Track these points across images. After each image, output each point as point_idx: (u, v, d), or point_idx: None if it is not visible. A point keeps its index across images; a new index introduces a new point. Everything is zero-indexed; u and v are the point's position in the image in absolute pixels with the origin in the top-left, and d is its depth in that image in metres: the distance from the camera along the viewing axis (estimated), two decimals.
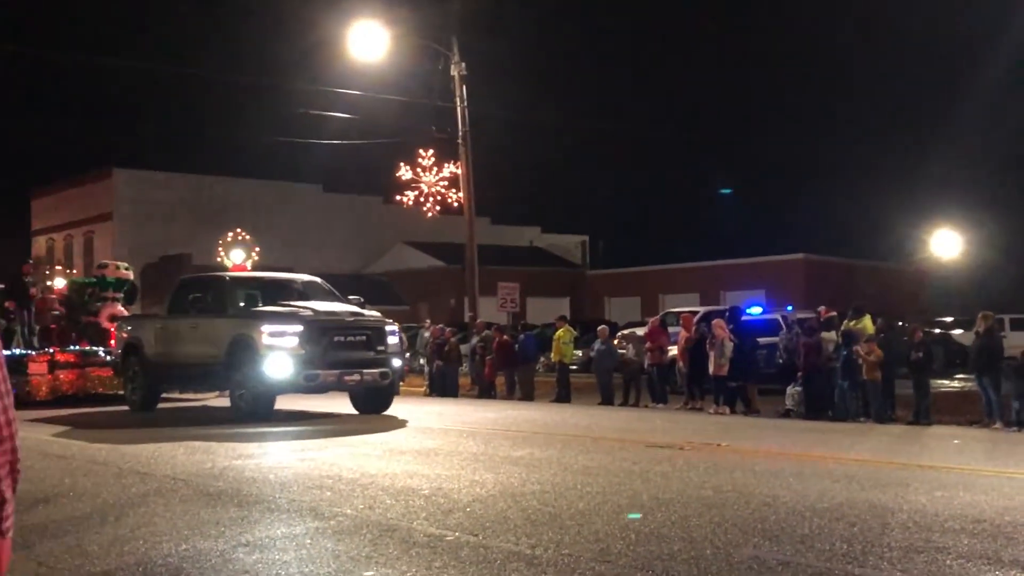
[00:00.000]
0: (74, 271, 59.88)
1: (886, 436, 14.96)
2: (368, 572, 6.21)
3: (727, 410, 19.15)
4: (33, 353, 22.06)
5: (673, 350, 22.19)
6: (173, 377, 19.07)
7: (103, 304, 24.65)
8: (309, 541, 7.06)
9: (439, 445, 12.90)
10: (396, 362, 17.40)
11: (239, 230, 44.56)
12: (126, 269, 25.95)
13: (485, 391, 25.24)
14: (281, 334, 15.99)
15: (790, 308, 27.91)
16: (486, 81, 55.23)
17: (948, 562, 6.31)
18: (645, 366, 22.33)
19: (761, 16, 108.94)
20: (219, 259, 42.26)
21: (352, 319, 17.15)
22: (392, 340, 17.28)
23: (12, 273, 24.82)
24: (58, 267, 60.36)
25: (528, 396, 23.95)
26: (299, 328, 16.07)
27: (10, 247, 60.99)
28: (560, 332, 24.40)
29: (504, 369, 24.82)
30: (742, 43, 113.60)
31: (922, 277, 49.42)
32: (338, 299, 18.40)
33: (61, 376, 21.69)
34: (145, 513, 8.22)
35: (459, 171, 30.48)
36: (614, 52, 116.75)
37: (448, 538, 7.06)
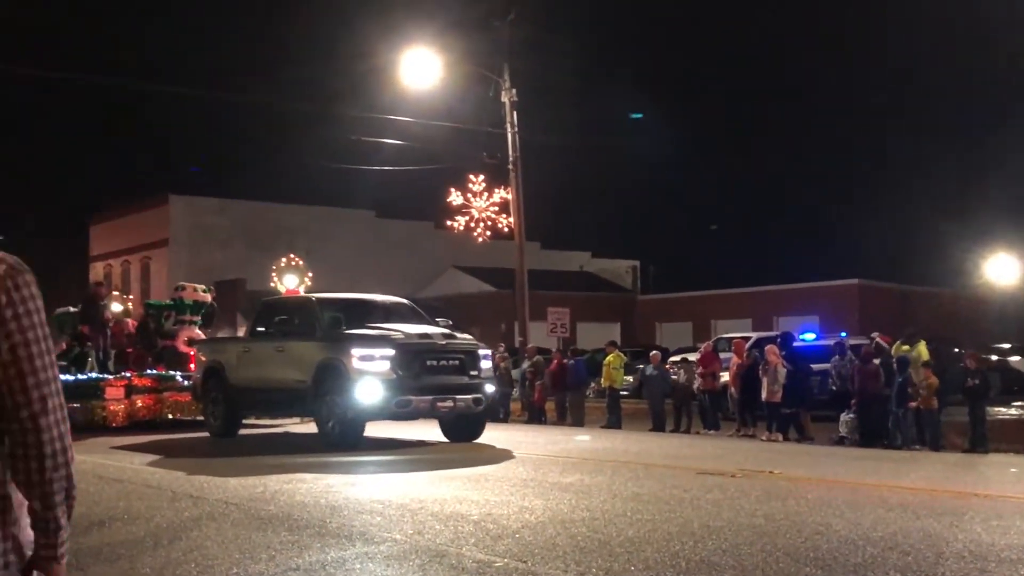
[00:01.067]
0: (131, 296, 60.78)
1: (941, 464, 14.74)
2: None
3: (780, 437, 18.97)
4: (110, 378, 21.58)
5: (725, 376, 22.05)
6: (256, 402, 18.48)
7: (180, 327, 24.16)
8: (359, 566, 7.08)
9: (489, 470, 12.89)
10: (490, 387, 16.76)
11: (292, 255, 44.93)
12: (204, 291, 25.27)
13: (535, 416, 25.22)
14: (372, 358, 15.42)
15: (844, 334, 27.61)
16: (537, 106, 55.38)
17: None
18: (696, 392, 22.21)
19: (811, 37, 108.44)
20: (273, 284, 42.63)
21: (445, 342, 16.46)
22: (486, 364, 16.75)
23: (85, 297, 24.47)
24: (115, 292, 61.29)
25: (579, 422, 23.88)
26: (391, 352, 15.48)
27: (69, 273, 62.08)
28: (610, 357, 24.34)
29: (556, 394, 24.80)
30: (794, 65, 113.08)
31: (979, 303, 48.68)
32: (426, 321, 17.81)
33: (138, 401, 21.20)
34: (197, 537, 8.30)
35: (510, 196, 30.57)
36: (666, 76, 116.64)
37: (497, 564, 7.05)
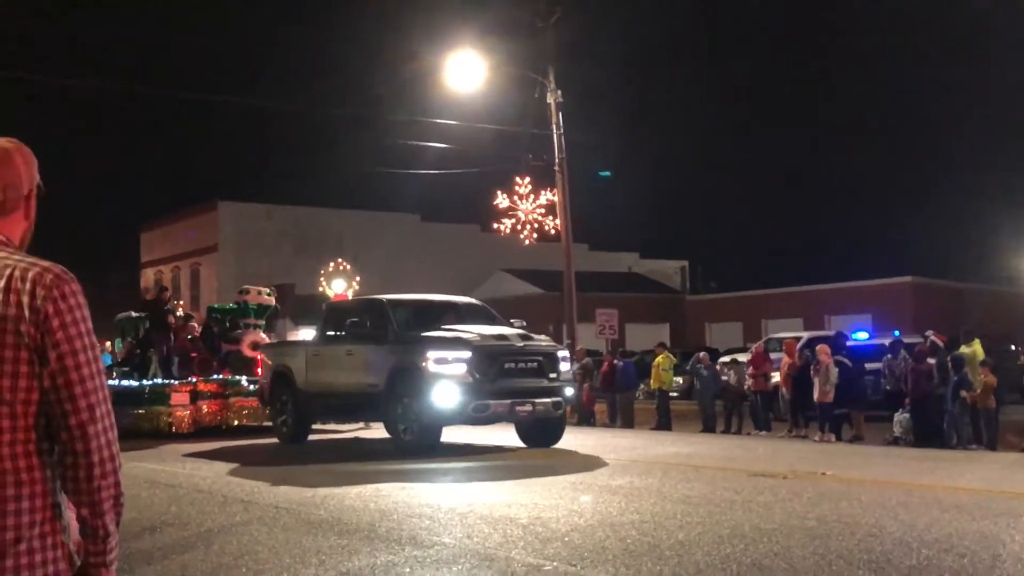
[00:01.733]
0: (181, 302, 61.42)
1: (997, 464, 14.51)
2: None
3: (832, 438, 18.77)
4: (176, 383, 21.12)
5: (776, 377, 21.86)
6: (327, 407, 17.90)
7: (244, 331, 23.52)
8: (408, 570, 7.09)
9: (538, 473, 12.87)
10: (569, 391, 16.31)
11: (340, 260, 45.25)
12: (268, 295, 24.61)
13: (584, 418, 25.16)
14: (448, 361, 14.93)
15: (896, 333, 27.30)
16: (583, 107, 55.34)
17: None
18: (747, 393, 22.06)
19: (865, 33, 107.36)
20: (321, 289, 42.94)
21: (522, 344, 15.91)
22: (564, 367, 16.25)
23: (150, 301, 24.18)
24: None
25: (628, 423, 23.79)
26: (467, 354, 14.99)
27: (120, 280, 62.90)
28: (659, 359, 24.23)
29: (606, 396, 24.73)
30: (846, 60, 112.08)
31: None
32: (500, 322, 17.36)
33: (203, 407, 20.67)
34: (248, 541, 8.35)
35: (556, 198, 30.53)
36: (713, 74, 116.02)
37: (546, 568, 7.02)
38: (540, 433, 16.35)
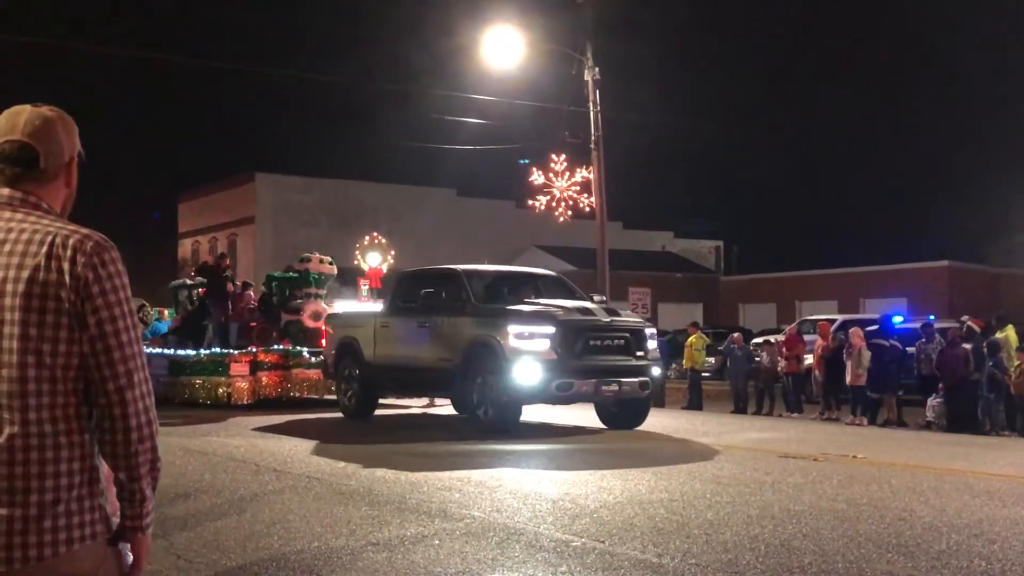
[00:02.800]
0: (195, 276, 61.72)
1: None
2: (494, 575, 6.27)
3: (864, 421, 18.69)
4: (235, 353, 20.47)
5: (809, 359, 21.78)
6: (396, 382, 17.11)
7: (305, 301, 22.39)
8: (437, 542, 7.15)
9: (566, 450, 12.90)
10: (656, 370, 15.31)
11: (375, 234, 45.35)
12: (330, 264, 23.44)
13: None
14: (530, 336, 14.09)
15: (931, 317, 27.10)
16: (620, 85, 55.09)
17: None
18: (780, 374, 22.00)
19: (901, 17, 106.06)
20: (356, 262, 43.10)
21: (609, 319, 15.01)
22: (652, 345, 15.27)
23: (208, 267, 23.64)
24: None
25: (660, 402, 23.77)
26: (551, 329, 14.14)
27: (158, 250, 63.41)
28: (692, 338, 24.18)
29: None
30: (883, 43, 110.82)
31: None
32: (580, 296, 16.47)
33: (263, 378, 20.03)
34: (280, 510, 8.44)
35: (591, 176, 30.45)
36: (752, 54, 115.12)
37: (574, 544, 7.06)
38: (624, 414, 15.58)
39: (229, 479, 10.24)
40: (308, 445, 13.10)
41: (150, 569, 6.20)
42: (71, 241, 2.47)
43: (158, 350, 22.65)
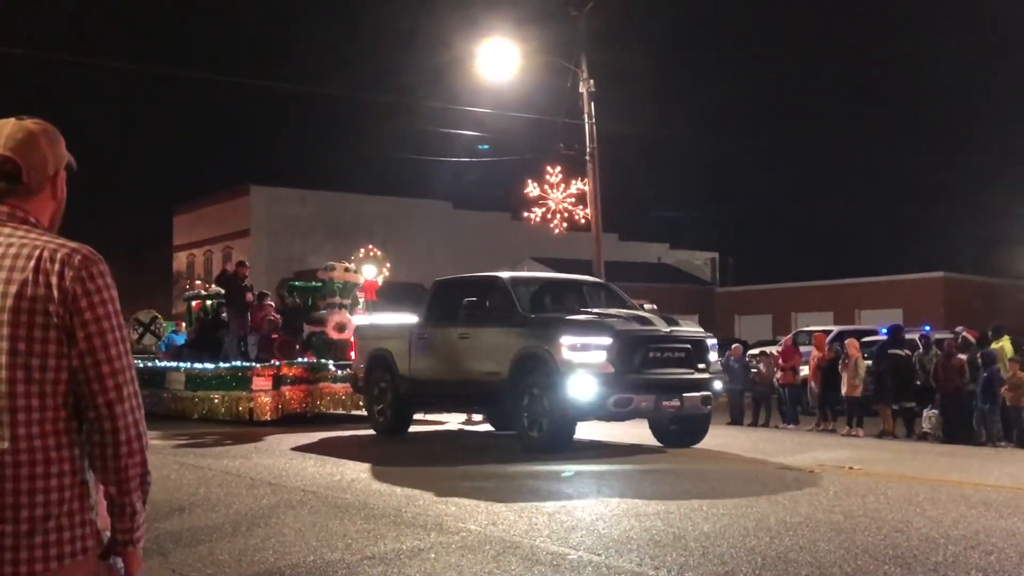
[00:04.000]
0: (212, 286, 61.71)
1: None
2: None
3: (860, 432, 18.67)
4: (258, 366, 19.38)
5: (805, 370, 21.77)
6: (435, 397, 16.07)
7: (329, 311, 21.38)
8: (433, 555, 7.12)
9: (562, 463, 12.88)
10: (718, 384, 14.44)
11: (371, 246, 45.35)
12: (355, 272, 22.54)
13: None
14: (586, 348, 13.15)
15: (927, 328, 27.11)
16: (615, 97, 55.21)
17: None
18: (776, 385, 21.98)
19: (896, 27, 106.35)
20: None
21: (668, 330, 13.97)
22: (713, 356, 14.43)
23: (226, 277, 22.53)
24: (197, 281, 62.41)
25: None
26: (607, 340, 13.19)
27: (153, 262, 63.31)
28: None
29: None
30: (877, 54, 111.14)
31: None
32: (630, 305, 15.70)
33: (287, 392, 18.95)
34: (275, 524, 8.41)
35: (587, 188, 30.47)
36: (747, 65, 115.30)
37: (570, 557, 7.04)
38: (682, 431, 14.68)
39: (224, 493, 10.21)
40: (361, 469, 12.01)
41: None
42: (59, 255, 2.46)
43: (174, 364, 22.10)
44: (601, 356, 13.12)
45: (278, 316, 21.99)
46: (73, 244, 2.51)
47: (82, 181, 2.77)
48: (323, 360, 19.86)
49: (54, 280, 2.43)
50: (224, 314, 22.53)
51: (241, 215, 60.93)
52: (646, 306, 15.91)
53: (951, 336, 21.10)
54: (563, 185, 32.19)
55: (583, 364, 13.07)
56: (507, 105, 30.74)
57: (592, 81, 29.06)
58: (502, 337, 14.32)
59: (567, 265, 55.45)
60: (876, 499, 9.79)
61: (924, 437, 18.18)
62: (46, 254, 2.46)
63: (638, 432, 15.50)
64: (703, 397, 13.85)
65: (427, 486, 10.53)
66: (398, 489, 10.36)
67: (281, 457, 13.47)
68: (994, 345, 18.54)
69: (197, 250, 66.70)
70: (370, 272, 42.46)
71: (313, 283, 22.55)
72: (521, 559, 6.98)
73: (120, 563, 2.54)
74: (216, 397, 19.80)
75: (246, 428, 17.88)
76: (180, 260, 67.99)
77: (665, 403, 13.41)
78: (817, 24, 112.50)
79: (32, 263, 2.45)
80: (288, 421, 18.47)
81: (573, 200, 31.99)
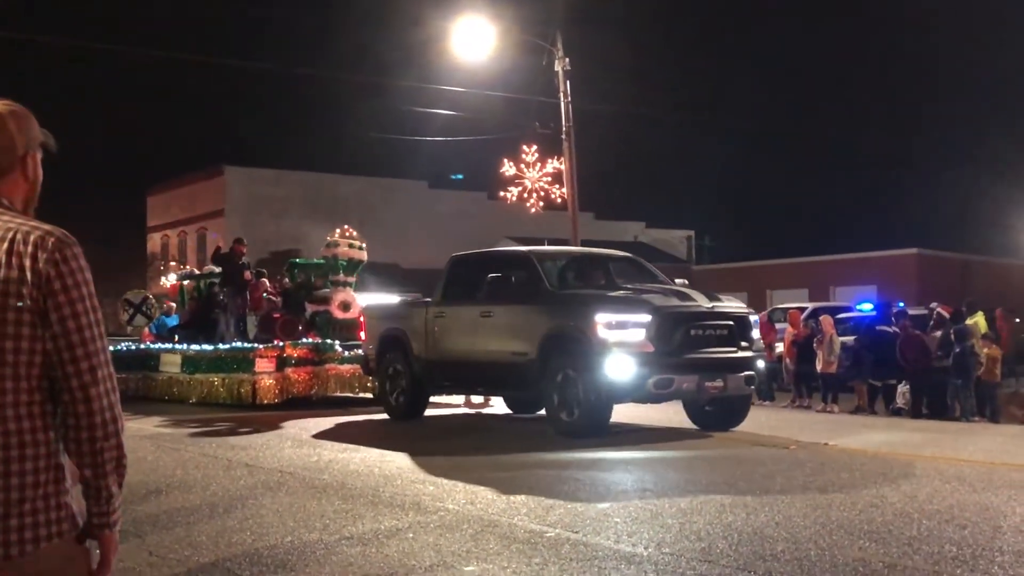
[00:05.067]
0: (187, 266, 61.44)
1: (1000, 437, 14.53)
2: (469, 567, 6.26)
3: (835, 408, 18.81)
4: (261, 347, 18.57)
5: (780, 347, 21.89)
6: (454, 379, 15.30)
7: (334, 289, 20.41)
8: (411, 535, 7.13)
9: (538, 440, 12.90)
10: (760, 363, 13.76)
11: (347, 226, 45.24)
12: (360, 248, 21.28)
13: None
14: (623, 325, 12.36)
15: (901, 304, 27.31)
16: (590, 76, 55.17)
17: None
18: None
19: (873, 5, 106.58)
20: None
21: (710, 306, 13.23)
22: (756, 334, 13.83)
23: (223, 255, 21.66)
24: (172, 263, 62.07)
25: None
26: (647, 318, 12.40)
27: (127, 243, 62.94)
28: None
29: None
30: (852, 29, 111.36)
31: None
32: (663, 280, 14.87)
33: (291, 375, 18.21)
34: (253, 505, 8.40)
35: (563, 167, 30.47)
36: (721, 43, 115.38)
37: (548, 534, 7.07)
38: (719, 412, 13.93)
39: (201, 475, 10.18)
40: (398, 460, 11.03)
41: (122, 566, 6.18)
42: (32, 237, 2.44)
43: (168, 346, 21.65)
44: (640, 334, 12.38)
45: (277, 294, 21.41)
46: (47, 226, 2.49)
47: (54, 162, 2.74)
48: (328, 340, 19.08)
49: (27, 263, 2.41)
50: (220, 294, 21.88)
51: (215, 196, 60.61)
52: (677, 281, 14.94)
53: (925, 312, 21.27)
54: (539, 164, 32.20)
55: (620, 343, 12.32)
56: (482, 84, 30.70)
57: (567, 59, 29.02)
58: (529, 315, 13.56)
59: (544, 245, 55.53)
60: (851, 475, 9.86)
61: (899, 412, 18.34)
62: (19, 236, 2.44)
63: (659, 415, 15.12)
64: (747, 377, 13.21)
65: (405, 466, 10.55)
66: (375, 469, 10.37)
67: (283, 443, 13.44)
68: (968, 321, 18.69)
69: (171, 231, 66.33)
70: (357, 253, 42.42)
71: (316, 260, 21.69)
72: (499, 537, 7.00)
73: (96, 547, 2.54)
74: (216, 380, 19.12)
75: (253, 412, 17.18)
76: (154, 241, 67.64)
77: (708, 384, 12.72)
78: (794, 1, 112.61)
79: (5, 245, 2.43)
80: (293, 404, 17.81)
81: (549, 179, 32.01)
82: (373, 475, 9.97)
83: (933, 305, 21.31)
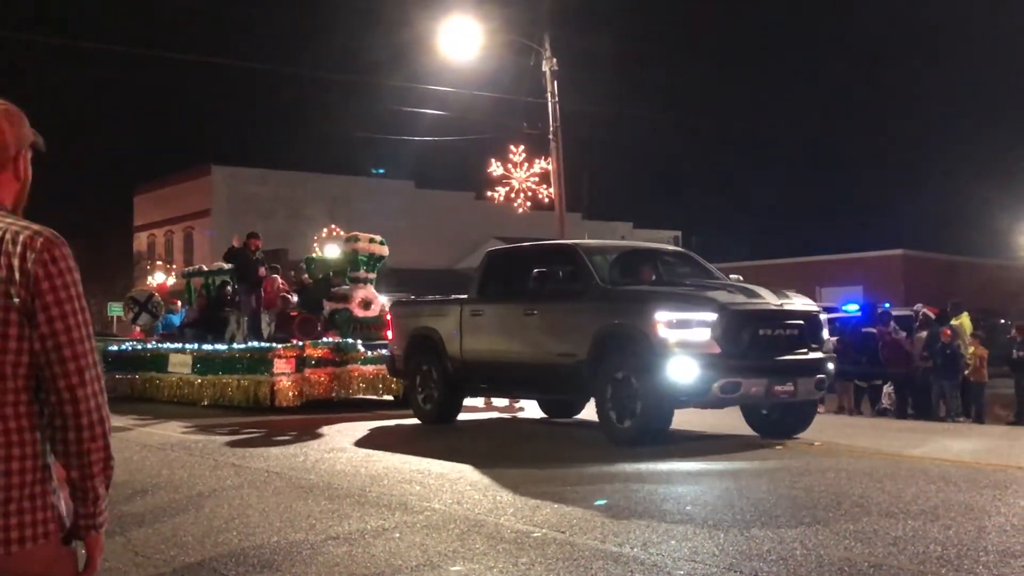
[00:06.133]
0: (173, 266, 61.30)
1: (986, 437, 14.59)
2: (455, 567, 6.26)
3: (820, 408, 18.85)
4: (280, 347, 17.66)
5: None
6: (493, 381, 14.59)
7: (354, 286, 19.64)
8: (398, 535, 7.13)
9: (529, 441, 12.90)
10: (831, 366, 12.83)
11: (334, 226, 45.16)
12: (381, 244, 20.55)
13: None
14: (687, 324, 11.48)
15: (887, 305, 27.39)
16: (578, 76, 55.22)
17: None
18: None
19: (863, 5, 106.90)
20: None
21: (779, 304, 12.39)
22: (826, 334, 12.93)
23: (235, 249, 20.79)
24: (159, 263, 61.89)
25: None
26: (712, 316, 11.51)
27: (113, 243, 62.71)
28: None
29: None
30: (836, 32, 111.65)
31: None
32: (718, 277, 14.07)
33: (311, 376, 17.51)
34: (239, 505, 8.39)
35: (550, 167, 30.48)
36: (710, 44, 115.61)
37: (535, 534, 7.07)
38: (781, 418, 13.01)
39: (187, 475, 10.16)
40: (432, 466, 10.32)
41: (108, 566, 6.16)
42: (21, 237, 2.43)
43: (177, 345, 20.88)
44: (705, 334, 11.47)
45: (290, 291, 20.72)
46: (36, 226, 2.48)
47: (40, 162, 2.73)
48: (350, 340, 18.30)
49: (16, 262, 2.41)
50: (230, 291, 21.30)
51: (202, 195, 60.53)
52: (731, 277, 14.23)
53: (910, 313, 21.37)
54: (526, 164, 32.22)
55: (683, 343, 11.42)
56: (470, 84, 30.71)
57: (555, 60, 29.05)
58: (578, 313, 12.70)
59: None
60: (836, 474, 9.87)
61: (884, 412, 18.42)
62: (8, 236, 2.44)
63: (713, 420, 14.27)
64: (817, 381, 12.39)
65: (390, 464, 10.53)
66: (362, 469, 10.36)
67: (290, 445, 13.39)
68: (953, 322, 18.78)
69: (158, 230, 66.21)
70: (333, 252, 42.35)
71: (336, 257, 21.09)
72: (486, 537, 7.00)
73: (82, 548, 2.54)
74: (230, 381, 18.34)
75: (279, 416, 16.38)
76: (141, 241, 67.49)
77: (778, 388, 11.85)
78: (781, 1, 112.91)
79: None
80: (314, 407, 17.15)
81: (536, 179, 32.03)
82: (359, 475, 9.96)
83: (918, 306, 21.41)
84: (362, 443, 12.79)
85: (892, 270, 49.27)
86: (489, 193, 33.40)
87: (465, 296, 14.95)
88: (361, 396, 18.21)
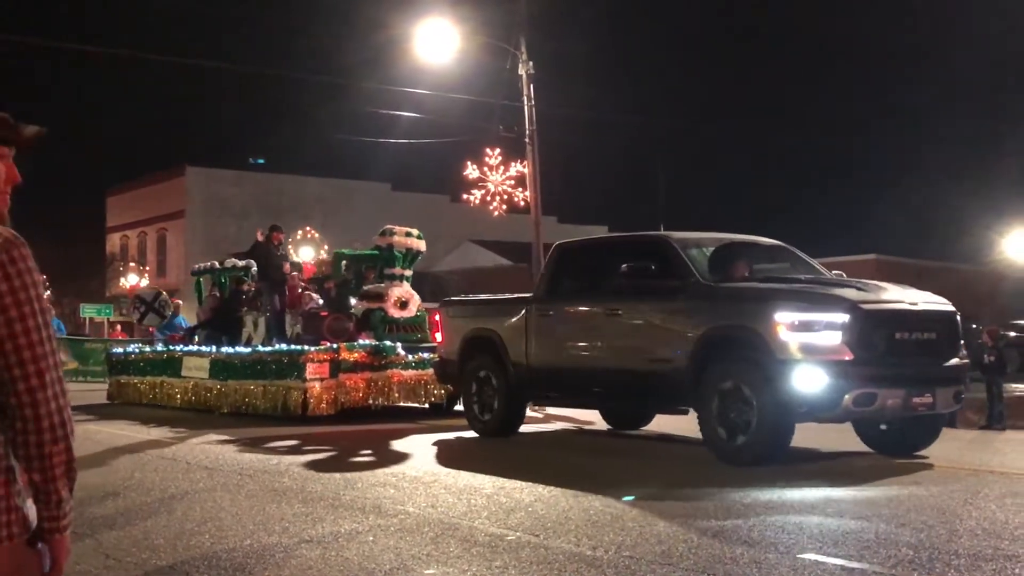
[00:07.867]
0: (147, 268, 60.98)
1: (957, 441, 14.66)
2: (429, 570, 6.24)
3: None
4: (312, 350, 16.27)
5: None
6: (565, 389, 13.13)
7: (389, 284, 18.04)
8: (371, 538, 7.10)
9: (505, 444, 12.88)
10: (967, 374, 11.60)
11: (309, 228, 45.05)
12: (418, 238, 18.73)
13: None
14: (812, 326, 10.04)
15: None
16: (554, 79, 55.33)
17: (1017, 570, 6.16)
18: None
19: (834, 11, 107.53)
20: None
21: (916, 304, 10.91)
22: (962, 340, 11.42)
23: (260, 245, 19.44)
24: (131, 264, 61.54)
25: None
26: (843, 317, 10.04)
27: (86, 244, 62.33)
28: None
29: None
30: (814, 37, 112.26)
31: (996, 279, 48.42)
32: (821, 272, 12.69)
33: (346, 382, 16.08)
34: (212, 508, 8.33)
35: (526, 170, 30.48)
36: (685, 47, 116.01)
37: (509, 538, 7.06)
38: (902, 432, 11.40)
39: (159, 477, 10.10)
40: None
41: (78, 569, 6.12)
42: None
43: (194, 348, 19.49)
44: (835, 337, 10.03)
45: (312, 290, 19.64)
46: None
47: (14, 162, 2.69)
48: (390, 343, 16.84)
49: None
50: (252, 288, 19.98)
51: (176, 196, 60.28)
52: (833, 273, 12.79)
53: None
54: (502, 167, 32.21)
55: (809, 348, 10.02)
56: (446, 86, 30.68)
57: (531, 63, 29.04)
58: (675, 313, 11.29)
59: (506, 248, 55.48)
60: (808, 478, 9.88)
61: None
62: None
63: (813, 434, 12.44)
64: (956, 392, 10.95)
65: (366, 468, 10.50)
66: (336, 473, 10.32)
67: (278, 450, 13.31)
68: None
69: (131, 232, 65.89)
70: (308, 254, 42.30)
71: (368, 251, 19.43)
72: (459, 541, 6.98)
73: (47, 550, 2.50)
74: (255, 387, 16.81)
75: (318, 427, 14.99)
76: (113, 242, 67.11)
77: (916, 399, 10.40)
78: (757, 2, 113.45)
79: None
80: (352, 416, 15.92)
81: (512, 182, 32.02)
82: (333, 479, 9.93)
83: None
84: (451, 462, 11.18)
85: (865, 275, 49.30)
86: (465, 196, 33.34)
87: (531, 294, 13.75)
88: (403, 403, 16.95)
